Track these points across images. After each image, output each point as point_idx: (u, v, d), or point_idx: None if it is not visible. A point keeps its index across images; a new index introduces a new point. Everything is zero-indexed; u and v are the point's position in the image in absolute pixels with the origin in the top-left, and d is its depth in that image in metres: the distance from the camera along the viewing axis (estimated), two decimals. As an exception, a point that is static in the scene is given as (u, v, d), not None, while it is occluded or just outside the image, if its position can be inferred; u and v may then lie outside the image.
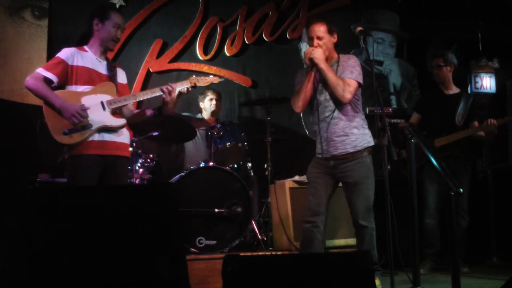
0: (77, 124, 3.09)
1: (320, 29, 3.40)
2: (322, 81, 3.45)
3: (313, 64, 3.37)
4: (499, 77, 6.16)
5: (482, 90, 6.13)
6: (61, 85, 3.25)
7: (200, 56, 5.67)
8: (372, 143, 3.47)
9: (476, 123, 4.44)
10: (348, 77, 3.38)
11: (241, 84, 5.82)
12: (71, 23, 5.14)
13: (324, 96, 3.45)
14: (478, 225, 4.92)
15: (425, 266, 4.40)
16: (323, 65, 3.34)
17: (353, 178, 3.38)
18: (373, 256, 3.18)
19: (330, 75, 3.33)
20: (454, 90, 4.67)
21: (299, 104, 3.44)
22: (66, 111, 3.07)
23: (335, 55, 3.51)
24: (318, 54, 3.34)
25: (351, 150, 3.39)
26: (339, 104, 3.40)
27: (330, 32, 3.43)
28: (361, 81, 3.43)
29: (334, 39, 3.47)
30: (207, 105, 5.07)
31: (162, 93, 3.30)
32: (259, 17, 5.90)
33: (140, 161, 4.38)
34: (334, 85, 3.33)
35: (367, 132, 3.51)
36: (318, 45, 3.38)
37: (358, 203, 3.36)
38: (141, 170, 4.36)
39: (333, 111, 3.41)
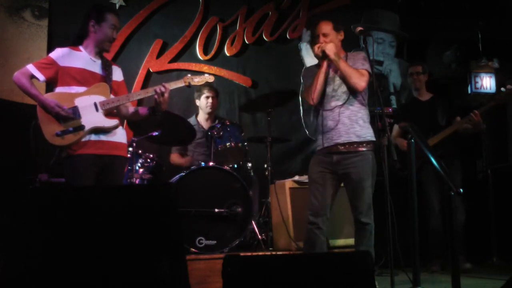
0: (65, 116, 3.10)
1: (326, 27, 3.49)
2: (328, 73, 3.49)
3: (324, 56, 3.42)
4: (499, 77, 6.16)
5: (482, 90, 6.13)
6: (52, 85, 3.27)
7: (200, 56, 5.67)
8: (374, 139, 3.47)
9: (458, 118, 4.57)
10: (361, 68, 3.45)
11: (241, 84, 5.82)
12: (71, 23, 5.12)
13: (331, 87, 3.48)
14: (478, 225, 4.93)
15: (436, 265, 4.50)
16: (335, 56, 3.40)
17: (357, 175, 3.36)
18: (372, 255, 3.20)
19: (343, 65, 3.40)
20: (428, 96, 4.88)
21: (313, 96, 3.45)
22: (48, 106, 3.10)
23: (343, 52, 3.56)
24: (330, 46, 3.41)
25: (355, 139, 3.38)
26: (347, 95, 3.43)
27: (336, 29, 3.51)
28: (372, 73, 3.46)
29: (341, 36, 3.55)
30: (203, 103, 4.90)
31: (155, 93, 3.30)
32: (259, 17, 5.90)
33: (140, 161, 4.38)
34: (348, 73, 3.39)
35: (370, 127, 3.52)
36: (325, 42, 3.45)
37: (361, 200, 3.34)
38: (141, 170, 4.36)
39: (340, 101, 3.43)
